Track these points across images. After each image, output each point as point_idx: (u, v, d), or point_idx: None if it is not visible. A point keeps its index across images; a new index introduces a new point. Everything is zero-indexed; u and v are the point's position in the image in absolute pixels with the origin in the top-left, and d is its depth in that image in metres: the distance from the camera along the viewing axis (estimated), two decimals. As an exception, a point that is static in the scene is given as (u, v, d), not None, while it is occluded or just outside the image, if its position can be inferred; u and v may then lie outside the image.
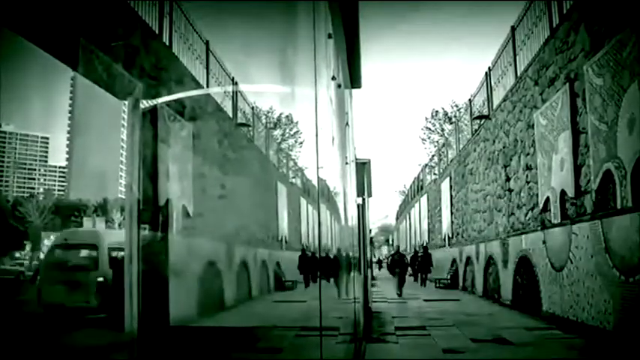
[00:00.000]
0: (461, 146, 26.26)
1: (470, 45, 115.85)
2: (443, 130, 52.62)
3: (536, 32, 14.67)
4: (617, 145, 9.71)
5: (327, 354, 5.21)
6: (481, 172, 21.34)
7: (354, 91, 9.86)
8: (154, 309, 4.09)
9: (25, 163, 4.37)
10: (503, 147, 17.86)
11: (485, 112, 20.85)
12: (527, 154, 15.48)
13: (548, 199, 13.64)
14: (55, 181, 4.65)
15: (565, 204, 12.63)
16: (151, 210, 4.50)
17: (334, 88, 6.48)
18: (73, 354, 3.72)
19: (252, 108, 7.12)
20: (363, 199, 13.78)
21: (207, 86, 6.38)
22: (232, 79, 6.56)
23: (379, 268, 60.78)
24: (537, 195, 14.58)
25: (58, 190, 4.70)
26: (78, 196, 4.77)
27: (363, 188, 13.23)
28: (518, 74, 16.33)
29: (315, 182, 5.57)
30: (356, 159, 11.54)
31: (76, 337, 3.96)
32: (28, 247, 4.34)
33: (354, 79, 8.76)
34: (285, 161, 9.08)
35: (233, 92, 6.48)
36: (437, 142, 50.68)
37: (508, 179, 17.51)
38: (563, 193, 12.62)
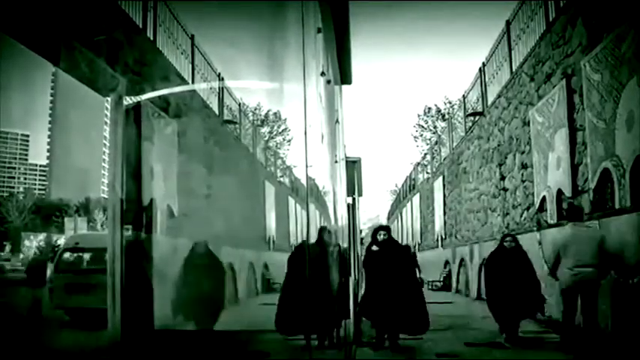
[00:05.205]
0: (454, 144, 26.08)
1: (463, 41, 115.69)
2: (436, 127, 52.46)
3: (532, 26, 14.53)
4: (615, 143, 9.56)
5: (316, 357, 5.09)
6: (475, 171, 21.20)
7: (344, 87, 9.71)
8: (137, 312, 3.94)
9: (5, 162, 4.22)
10: (498, 145, 17.72)
11: (479, 108, 20.67)
12: (523, 152, 15.34)
13: (544, 198, 13.49)
14: (35, 180, 4.50)
15: (562, 204, 12.49)
16: (135, 210, 4.37)
17: (323, 84, 6.33)
18: (59, 356, 3.58)
19: (239, 105, 6.98)
20: (354, 199, 13.60)
21: (193, 82, 6.24)
22: (219, 75, 6.42)
23: None
24: (533, 194, 14.43)
25: (39, 190, 4.56)
26: (59, 195, 4.62)
27: (353, 187, 13.04)
28: (514, 70, 16.19)
29: (304, 181, 5.44)
30: (346, 157, 11.37)
31: (61, 339, 3.81)
32: (7, 248, 4.19)
33: (344, 75, 8.61)
34: (273, 159, 8.94)
35: (219, 88, 6.34)
36: (429, 139, 50.53)
37: (503, 178, 17.37)
38: (559, 192, 12.47)
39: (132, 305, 3.79)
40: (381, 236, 8.74)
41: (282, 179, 8.54)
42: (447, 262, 25.80)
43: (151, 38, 5.81)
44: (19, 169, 4.45)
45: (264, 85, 5.84)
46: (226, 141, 6.84)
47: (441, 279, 26.28)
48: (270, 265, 7.08)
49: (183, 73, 6.15)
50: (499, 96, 17.42)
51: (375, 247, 8.82)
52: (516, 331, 9.53)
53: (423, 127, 54.54)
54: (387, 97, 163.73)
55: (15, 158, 4.45)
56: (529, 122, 14.40)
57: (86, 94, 4.04)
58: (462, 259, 22.44)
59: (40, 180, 4.66)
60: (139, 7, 5.44)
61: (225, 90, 6.49)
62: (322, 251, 6.60)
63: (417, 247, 35.37)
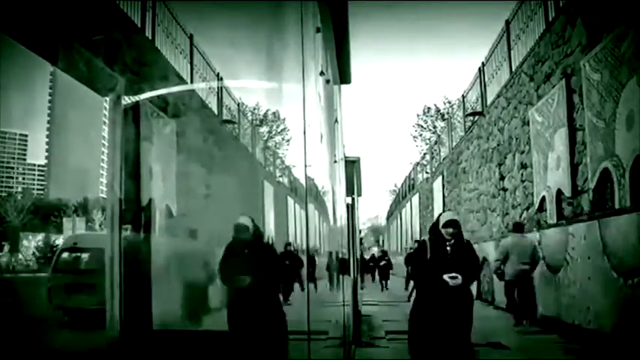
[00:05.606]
0: (453, 144, 26.08)
1: (463, 41, 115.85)
2: (435, 127, 52.43)
3: (531, 26, 14.53)
4: (615, 143, 9.56)
5: (315, 358, 5.06)
6: (474, 171, 21.20)
7: (343, 86, 9.71)
8: (136, 312, 3.94)
9: (3, 162, 4.19)
10: (498, 145, 17.72)
11: (478, 108, 20.67)
12: (522, 152, 15.34)
13: (544, 198, 13.49)
14: (34, 179, 4.48)
15: (561, 204, 12.48)
16: (134, 210, 4.36)
17: (322, 84, 6.32)
18: (57, 356, 3.57)
19: (238, 104, 6.96)
20: (353, 199, 13.58)
21: (192, 82, 6.23)
22: (217, 75, 6.40)
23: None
24: (533, 194, 14.43)
25: (37, 190, 4.53)
26: (58, 195, 4.60)
27: (352, 187, 13.03)
28: (513, 70, 16.18)
29: (302, 181, 5.43)
30: (345, 157, 11.36)
31: (61, 339, 3.80)
32: (6, 248, 4.17)
33: (343, 75, 8.60)
34: (272, 159, 8.92)
35: (218, 88, 6.32)
36: (429, 139, 50.50)
37: (502, 178, 17.36)
38: (559, 192, 12.47)
39: (130, 305, 3.78)
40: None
41: (280, 179, 8.52)
42: (446, 262, 25.76)
43: (150, 38, 5.79)
44: (18, 168, 4.42)
45: (263, 84, 5.83)
46: (225, 141, 6.83)
47: (441, 279, 26.21)
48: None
49: (181, 72, 6.14)
50: (498, 96, 17.42)
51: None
52: None
53: (422, 126, 54.56)
54: (387, 97, 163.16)
55: (13, 158, 4.42)
56: (528, 122, 14.39)
57: (85, 93, 4.03)
58: (462, 259, 22.39)
59: (38, 180, 4.64)
60: (138, 6, 5.43)
61: (224, 90, 6.47)
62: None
63: (416, 247, 35.27)
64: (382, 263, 29.46)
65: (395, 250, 49.67)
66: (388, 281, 28.41)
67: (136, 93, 4.29)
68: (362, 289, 22.76)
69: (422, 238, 11.31)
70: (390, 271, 29.26)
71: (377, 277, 30.65)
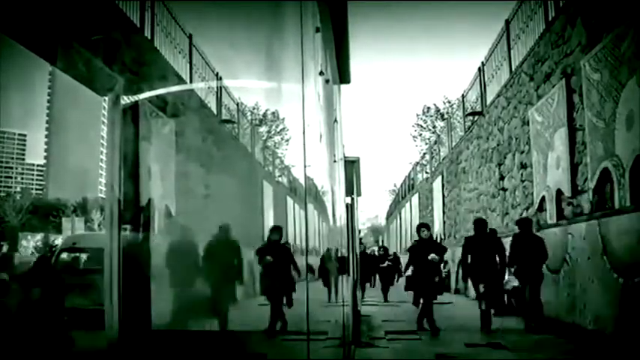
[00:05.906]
0: (453, 144, 26.07)
1: (463, 40, 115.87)
2: (435, 127, 52.41)
3: (531, 26, 14.52)
4: (615, 143, 9.55)
5: (314, 358, 5.05)
6: (474, 171, 21.19)
7: (342, 86, 9.71)
8: (135, 312, 3.92)
9: (2, 161, 4.18)
10: (497, 145, 17.71)
11: (478, 108, 20.66)
12: (522, 152, 15.33)
13: (543, 198, 13.48)
14: (32, 179, 4.47)
15: (561, 203, 12.46)
16: (133, 210, 4.34)
17: (322, 84, 6.32)
18: (56, 356, 3.55)
19: (238, 104, 6.93)
20: (352, 199, 13.58)
21: (191, 82, 6.20)
22: (217, 75, 6.38)
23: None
24: (532, 194, 14.42)
25: (36, 189, 4.52)
26: (56, 195, 4.59)
27: (352, 187, 13.02)
28: (513, 69, 16.16)
29: (302, 181, 5.41)
30: (345, 157, 11.35)
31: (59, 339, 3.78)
32: (5, 248, 4.15)
33: (342, 74, 8.60)
34: (271, 159, 8.90)
35: (217, 88, 6.30)
36: (428, 139, 50.48)
37: (502, 178, 17.36)
38: (559, 192, 12.45)
39: (130, 305, 3.76)
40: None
41: (280, 179, 8.52)
42: (446, 262, 25.75)
43: (149, 38, 5.77)
44: (17, 168, 4.41)
45: (263, 84, 5.81)
46: (224, 140, 6.81)
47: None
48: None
49: (181, 72, 6.12)
50: (498, 95, 17.42)
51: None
52: None
53: (422, 126, 54.68)
54: (386, 97, 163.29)
55: (12, 158, 4.41)
56: (528, 122, 14.40)
57: (84, 93, 4.00)
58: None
59: (37, 180, 4.63)
60: (137, 6, 5.40)
61: (223, 89, 6.45)
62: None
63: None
64: (386, 264, 22.37)
65: (395, 250, 49.56)
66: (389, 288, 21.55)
67: (135, 93, 4.26)
68: (363, 297, 19.21)
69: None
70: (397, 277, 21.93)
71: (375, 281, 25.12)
